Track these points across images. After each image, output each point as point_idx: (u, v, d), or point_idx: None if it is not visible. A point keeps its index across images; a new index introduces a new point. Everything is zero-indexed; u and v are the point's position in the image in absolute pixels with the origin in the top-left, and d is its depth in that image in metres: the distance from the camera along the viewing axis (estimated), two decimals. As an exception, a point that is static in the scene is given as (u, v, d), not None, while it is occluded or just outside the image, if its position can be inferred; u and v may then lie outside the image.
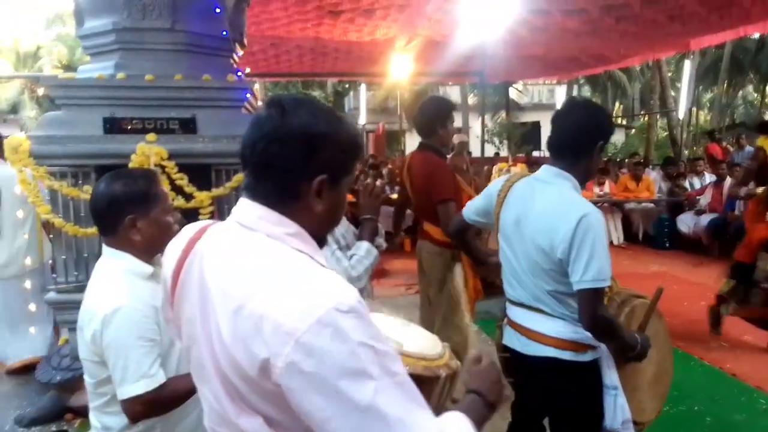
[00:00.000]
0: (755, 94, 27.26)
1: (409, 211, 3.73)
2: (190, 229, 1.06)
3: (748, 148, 10.08)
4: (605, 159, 11.49)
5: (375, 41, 8.00)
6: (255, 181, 0.96)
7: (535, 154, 15.99)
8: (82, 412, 2.88)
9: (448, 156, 3.73)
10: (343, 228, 2.00)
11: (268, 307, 0.83)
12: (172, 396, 1.53)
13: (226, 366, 0.88)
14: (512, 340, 2.03)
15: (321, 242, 1.00)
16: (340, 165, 0.98)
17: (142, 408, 1.50)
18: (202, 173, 3.01)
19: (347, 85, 24.14)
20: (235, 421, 0.90)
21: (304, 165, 0.93)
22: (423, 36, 7.77)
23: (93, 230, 2.73)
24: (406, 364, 1.15)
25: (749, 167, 4.46)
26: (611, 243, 8.75)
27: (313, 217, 0.96)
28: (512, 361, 2.09)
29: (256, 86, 3.59)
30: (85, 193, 2.87)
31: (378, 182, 2.30)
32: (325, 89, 25.34)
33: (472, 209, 2.21)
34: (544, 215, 1.84)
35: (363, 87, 16.38)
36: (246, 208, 0.96)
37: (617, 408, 1.87)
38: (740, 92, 27.09)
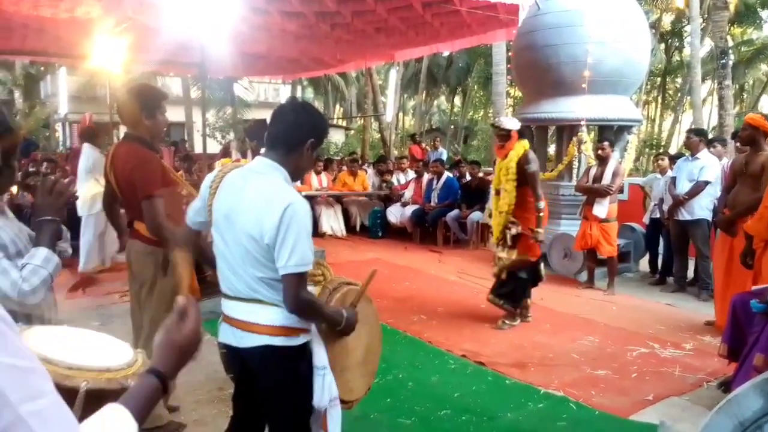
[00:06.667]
0: (447, 104, 32.36)
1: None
2: None
3: (441, 149, 11.96)
4: (326, 157, 12.27)
5: (75, 20, 7.07)
6: None
7: (263, 150, 16.09)
8: None
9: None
10: (13, 232, 1.65)
11: None
12: None
13: None
14: (227, 336, 2.02)
15: None
16: None
17: None
18: None
19: (42, 68, 20.80)
20: None
21: None
22: (135, 20, 7.15)
23: None
24: (86, 379, 1.06)
25: None
26: (335, 236, 9.37)
27: None
28: (230, 356, 2.08)
29: None
30: None
31: (57, 176, 1.97)
32: (12, 71, 21.46)
33: (192, 213, 2.12)
34: (255, 204, 1.88)
35: (63, 71, 14.25)
36: None
37: (325, 387, 1.99)
38: (435, 101, 31.86)
